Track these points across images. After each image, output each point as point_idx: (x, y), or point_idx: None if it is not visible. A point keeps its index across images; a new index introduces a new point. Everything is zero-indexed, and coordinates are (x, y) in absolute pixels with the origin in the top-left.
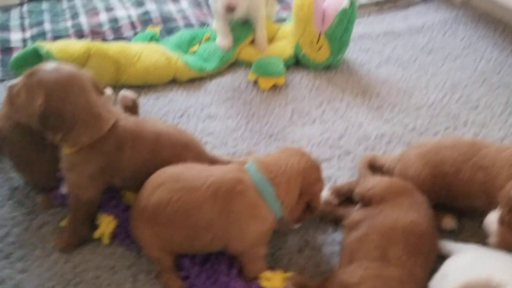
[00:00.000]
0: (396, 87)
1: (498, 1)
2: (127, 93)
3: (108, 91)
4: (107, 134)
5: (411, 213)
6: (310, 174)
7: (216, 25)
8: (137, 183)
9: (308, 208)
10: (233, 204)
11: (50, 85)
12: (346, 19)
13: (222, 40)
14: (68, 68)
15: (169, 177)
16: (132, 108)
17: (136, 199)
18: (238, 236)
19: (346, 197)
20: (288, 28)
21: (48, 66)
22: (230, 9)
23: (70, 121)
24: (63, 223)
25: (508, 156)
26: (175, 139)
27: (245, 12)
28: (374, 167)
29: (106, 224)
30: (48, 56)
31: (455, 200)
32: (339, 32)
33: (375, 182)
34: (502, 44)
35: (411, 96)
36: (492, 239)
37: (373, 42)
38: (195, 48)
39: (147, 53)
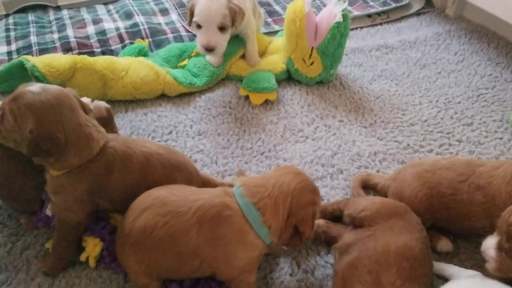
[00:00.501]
0: (390, 103)
1: (492, 13)
2: (100, 103)
3: (85, 99)
4: (96, 155)
5: (404, 235)
6: (302, 196)
7: None
8: (126, 205)
9: (297, 234)
10: (220, 230)
11: (39, 108)
12: (339, 34)
13: (212, 57)
14: (54, 88)
15: (155, 200)
16: (107, 119)
17: (121, 223)
18: (226, 262)
19: (332, 217)
20: (280, 41)
21: (34, 88)
22: (208, 50)
23: (63, 144)
24: (48, 245)
25: (503, 174)
26: (165, 160)
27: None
28: (367, 186)
29: (92, 247)
30: (33, 70)
31: (454, 222)
32: (332, 47)
33: (367, 204)
34: (496, 59)
35: (404, 112)
36: (490, 265)
37: (366, 57)
38: (185, 62)
39: (135, 67)
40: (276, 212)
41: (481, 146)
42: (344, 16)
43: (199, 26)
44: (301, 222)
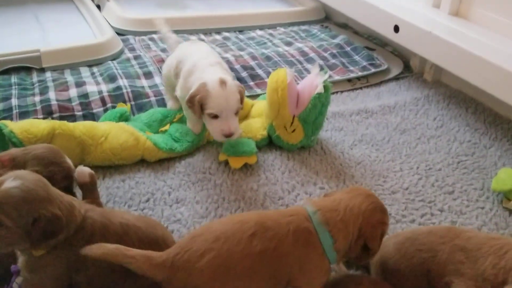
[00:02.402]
0: (371, 169)
1: (468, 80)
2: (84, 169)
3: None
4: (77, 227)
5: None
6: (372, 216)
7: (186, 112)
8: (102, 280)
9: (366, 250)
10: (309, 255)
11: (32, 196)
12: (320, 103)
13: (194, 126)
14: (26, 172)
15: (257, 226)
16: (90, 186)
17: (212, 256)
18: (307, 285)
19: None
20: (262, 104)
21: (11, 183)
22: (229, 136)
23: (63, 219)
24: None
25: (498, 247)
26: (143, 234)
27: None
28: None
29: None
30: (10, 136)
31: (432, 284)
32: (313, 115)
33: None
34: (474, 125)
35: (386, 179)
36: None
37: (347, 121)
38: (166, 127)
39: (114, 133)
40: (347, 235)
41: (463, 216)
42: (325, 87)
43: (215, 116)
44: (371, 240)
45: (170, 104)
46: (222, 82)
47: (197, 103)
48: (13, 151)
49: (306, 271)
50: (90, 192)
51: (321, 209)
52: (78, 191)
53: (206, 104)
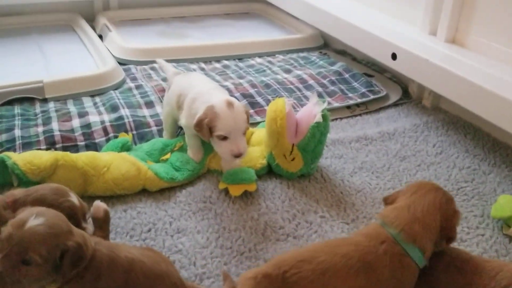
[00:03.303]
0: (371, 196)
1: (465, 107)
2: (100, 204)
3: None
4: (88, 261)
5: None
6: (448, 208)
7: (188, 141)
8: None
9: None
10: (404, 277)
11: (57, 228)
12: (319, 132)
13: (195, 154)
14: (45, 209)
15: (359, 262)
16: (102, 222)
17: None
18: None
19: None
20: (262, 133)
21: (35, 220)
22: (238, 156)
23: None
24: None
25: (490, 269)
26: (147, 269)
27: None
28: None
29: None
30: (13, 168)
31: None
32: (312, 144)
33: None
34: (473, 151)
35: None
36: None
37: (346, 148)
38: (167, 156)
39: (116, 163)
40: (431, 238)
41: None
42: (324, 116)
43: (224, 138)
44: (451, 231)
45: (192, 156)
46: (229, 104)
47: (206, 126)
48: (16, 192)
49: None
50: (101, 227)
51: (403, 227)
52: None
53: (215, 126)
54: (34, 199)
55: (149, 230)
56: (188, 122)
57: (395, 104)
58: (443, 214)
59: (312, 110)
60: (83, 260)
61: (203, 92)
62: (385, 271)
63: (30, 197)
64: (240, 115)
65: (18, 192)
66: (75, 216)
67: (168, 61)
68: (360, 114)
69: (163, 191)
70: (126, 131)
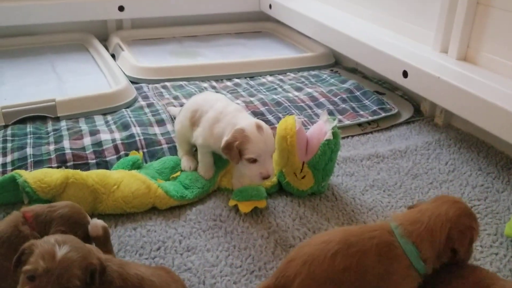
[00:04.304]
0: (383, 214)
1: (477, 125)
2: (98, 222)
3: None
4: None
5: None
6: (460, 222)
7: (201, 158)
8: None
9: (455, 256)
10: (393, 268)
11: (86, 247)
12: (329, 150)
13: (206, 172)
14: (65, 236)
15: (340, 244)
16: (103, 239)
17: (301, 279)
18: None
19: None
20: None
21: (64, 248)
22: (267, 178)
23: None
24: None
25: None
26: None
27: None
28: None
29: None
30: (24, 186)
31: None
32: (322, 162)
33: None
34: (486, 169)
35: None
36: None
37: (358, 166)
38: (177, 174)
39: (126, 181)
40: (433, 244)
41: (477, 263)
42: (334, 134)
43: (254, 160)
44: (459, 245)
45: (185, 164)
46: (259, 127)
47: (236, 149)
48: (37, 208)
49: (393, 284)
50: (103, 245)
51: (403, 222)
52: None
53: (246, 149)
54: (61, 216)
55: (159, 249)
56: (207, 141)
57: (407, 122)
58: (454, 226)
59: (322, 127)
60: (104, 274)
61: (226, 113)
62: (369, 256)
63: (56, 214)
64: (269, 138)
65: (39, 208)
66: (88, 235)
67: (179, 79)
68: (371, 132)
69: (173, 209)
70: (137, 149)
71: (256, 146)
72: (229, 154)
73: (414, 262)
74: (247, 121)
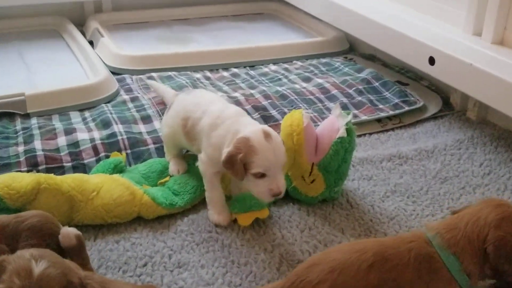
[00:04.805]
0: (406, 225)
1: None
2: (69, 230)
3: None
4: None
5: None
6: (501, 227)
7: (208, 194)
8: None
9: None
10: (433, 283)
11: (64, 270)
12: (342, 149)
13: (220, 214)
14: (43, 250)
15: (376, 256)
16: (76, 249)
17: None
18: None
19: None
20: None
21: (48, 270)
22: (278, 195)
23: None
24: None
25: None
26: None
27: None
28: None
29: None
30: None
31: None
32: (335, 163)
33: None
34: None
35: None
36: None
37: (377, 168)
38: (166, 179)
39: (107, 187)
40: (474, 253)
41: None
42: (348, 130)
43: (262, 175)
44: (495, 254)
45: (172, 168)
46: (267, 135)
47: (240, 163)
48: (2, 218)
49: None
50: (77, 256)
51: (440, 231)
52: None
53: (252, 162)
54: (30, 227)
55: (145, 265)
56: (209, 154)
57: (434, 117)
58: (493, 231)
59: (334, 123)
60: None
61: (224, 118)
62: (407, 271)
63: (24, 225)
64: (279, 147)
65: (6, 219)
66: (62, 248)
67: (168, 69)
68: (392, 129)
69: (162, 219)
70: (119, 150)
71: (264, 158)
72: (232, 169)
73: (455, 275)
74: (251, 128)
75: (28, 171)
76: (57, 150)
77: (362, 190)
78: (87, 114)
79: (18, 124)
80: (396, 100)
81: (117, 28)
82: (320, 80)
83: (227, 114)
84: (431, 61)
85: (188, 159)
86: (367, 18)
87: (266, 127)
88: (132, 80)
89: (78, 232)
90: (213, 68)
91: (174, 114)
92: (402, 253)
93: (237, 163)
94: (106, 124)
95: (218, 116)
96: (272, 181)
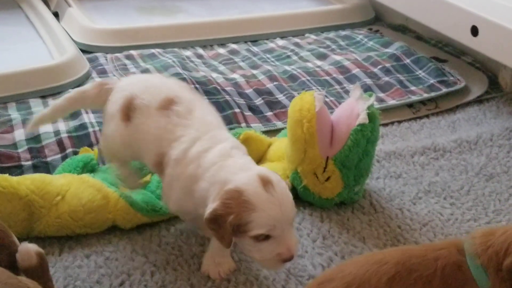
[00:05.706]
0: (443, 232)
1: None
2: (29, 247)
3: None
4: None
5: None
6: None
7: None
8: None
9: None
10: None
11: None
12: (364, 139)
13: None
14: None
15: (398, 266)
16: (38, 270)
17: None
18: None
19: None
20: (283, 144)
21: None
22: (290, 260)
23: None
24: None
25: None
26: None
27: None
28: None
29: None
30: None
31: None
32: (355, 157)
33: None
34: None
35: None
36: None
37: (407, 164)
38: (147, 178)
39: (75, 190)
40: (497, 266)
41: None
42: (371, 115)
43: (266, 237)
44: None
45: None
46: (266, 182)
47: (229, 226)
48: None
49: None
50: (38, 277)
51: (476, 238)
52: None
53: (250, 223)
54: None
55: (122, 284)
56: (182, 205)
57: (478, 101)
58: None
59: (353, 108)
60: None
61: (207, 161)
62: (433, 282)
63: None
64: (285, 196)
65: None
66: (15, 264)
67: (151, 46)
68: (427, 116)
69: (142, 228)
70: (91, 145)
71: (267, 216)
72: (217, 231)
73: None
74: (243, 175)
75: None
76: (14, 145)
77: (389, 190)
78: (50, 101)
79: None
80: (432, 81)
81: None
82: (338, 57)
83: (210, 156)
84: (474, 31)
85: None
86: None
87: (262, 170)
88: (106, 59)
89: (40, 250)
90: (207, 44)
91: (116, 132)
92: (428, 263)
93: (227, 226)
94: (74, 113)
95: (197, 156)
96: (280, 243)
